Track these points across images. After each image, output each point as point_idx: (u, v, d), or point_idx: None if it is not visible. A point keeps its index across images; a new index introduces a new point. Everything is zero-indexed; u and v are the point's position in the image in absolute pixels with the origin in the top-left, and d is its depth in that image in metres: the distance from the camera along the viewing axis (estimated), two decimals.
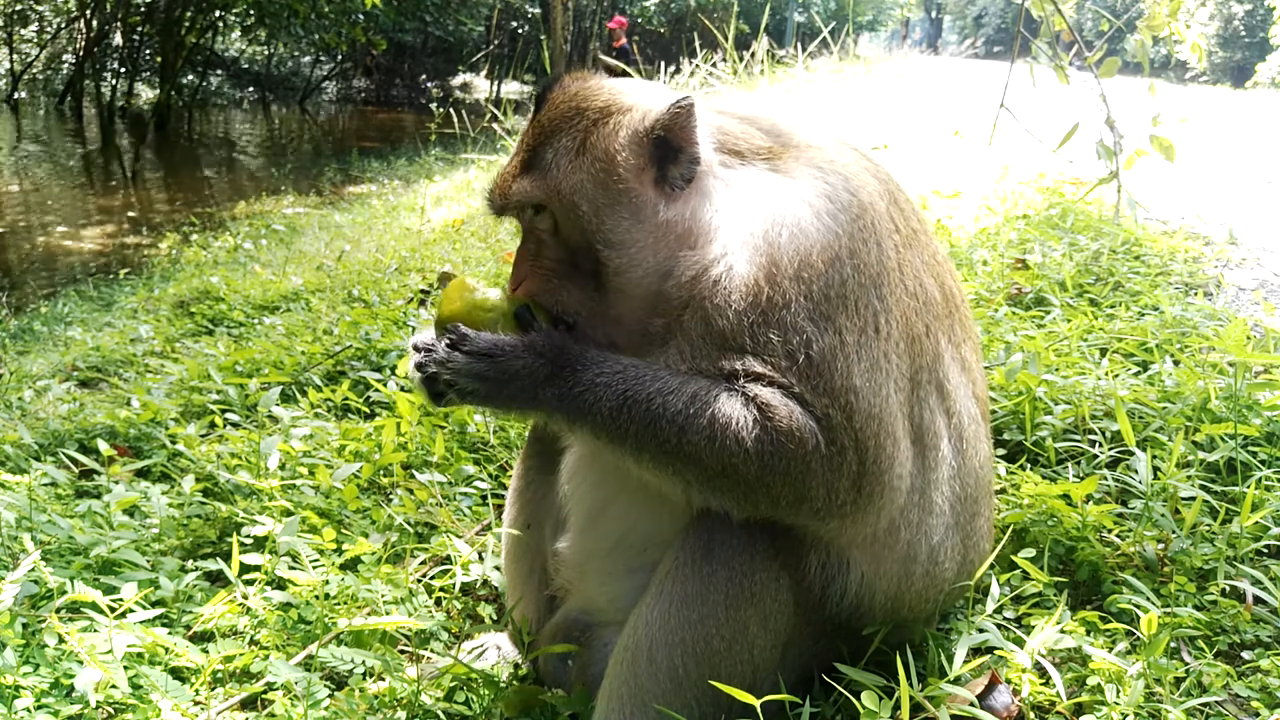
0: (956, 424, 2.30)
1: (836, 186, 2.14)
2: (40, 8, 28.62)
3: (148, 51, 28.60)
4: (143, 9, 27.26)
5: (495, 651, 2.73)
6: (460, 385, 2.03)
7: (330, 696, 2.40)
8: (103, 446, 3.77)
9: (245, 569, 2.83)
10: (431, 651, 2.74)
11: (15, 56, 28.98)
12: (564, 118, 2.20)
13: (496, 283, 6.11)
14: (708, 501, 2.07)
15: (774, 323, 2.00)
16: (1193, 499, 2.88)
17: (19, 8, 27.91)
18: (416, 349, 2.14)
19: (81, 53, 26.85)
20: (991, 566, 2.49)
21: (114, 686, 2.26)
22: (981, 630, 2.41)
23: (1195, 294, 5.11)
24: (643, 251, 2.14)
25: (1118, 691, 2.22)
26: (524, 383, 2.02)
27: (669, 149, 2.13)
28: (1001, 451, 3.44)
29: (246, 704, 2.47)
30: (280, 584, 2.84)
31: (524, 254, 2.25)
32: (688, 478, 2.03)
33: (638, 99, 2.21)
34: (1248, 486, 2.84)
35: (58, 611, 2.49)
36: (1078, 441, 3.38)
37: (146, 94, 28.90)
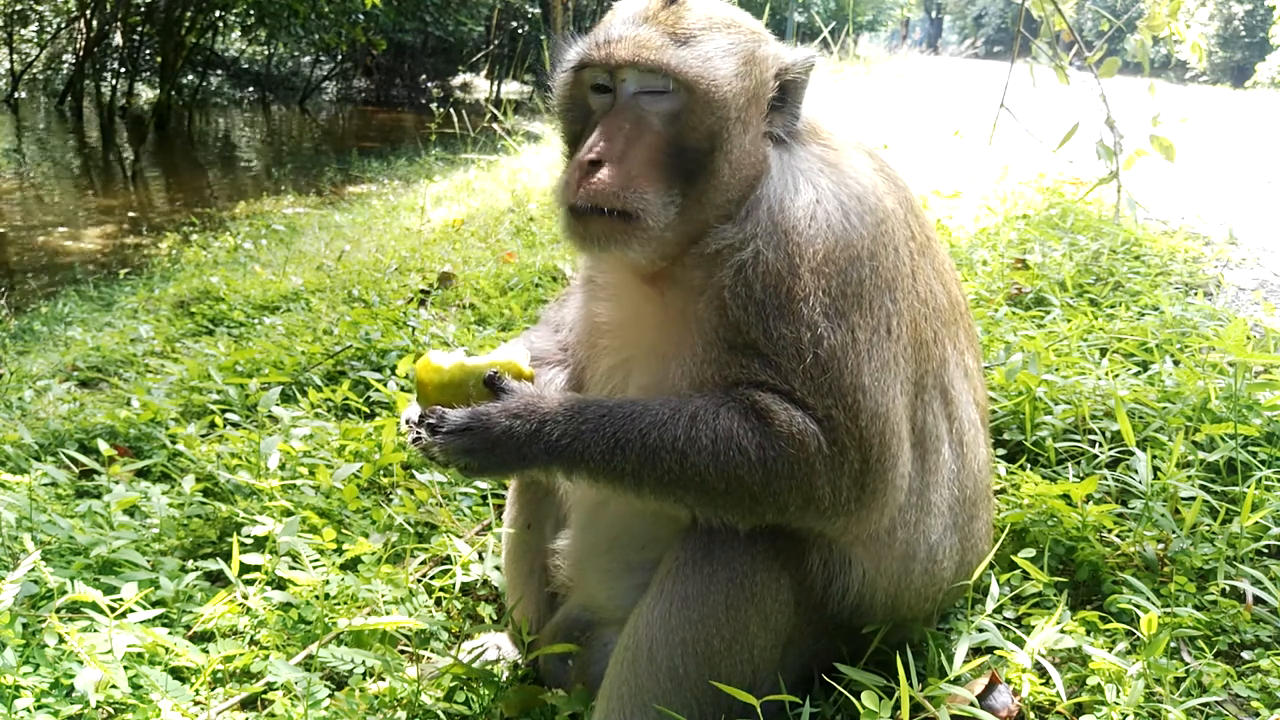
0: (957, 428, 2.33)
1: (867, 189, 2.17)
2: (40, 8, 28.57)
3: (148, 51, 28.52)
4: (143, 9, 27.19)
5: (495, 651, 2.74)
6: (453, 463, 2.04)
7: (330, 696, 2.40)
8: (103, 446, 3.77)
9: (245, 569, 2.83)
10: (431, 651, 2.74)
11: (15, 56, 28.92)
12: (719, 18, 2.14)
13: (496, 283, 6.12)
14: (713, 520, 2.08)
15: (789, 316, 2.01)
16: (1193, 499, 2.88)
17: (19, 8, 27.85)
18: (408, 424, 2.15)
19: (81, 53, 26.79)
20: (991, 566, 2.50)
21: (114, 686, 2.26)
22: (981, 630, 2.41)
23: (1195, 294, 5.11)
24: (732, 186, 2.13)
25: (1118, 691, 2.22)
26: (510, 445, 2.02)
27: (783, 98, 2.15)
28: (1001, 451, 3.44)
29: (246, 704, 2.47)
30: (280, 584, 2.85)
31: (617, 128, 2.09)
32: (689, 501, 2.05)
33: (770, 36, 2.22)
34: (1248, 486, 2.84)
35: (58, 611, 2.49)
36: (1078, 441, 3.38)
37: (146, 94, 28.82)
